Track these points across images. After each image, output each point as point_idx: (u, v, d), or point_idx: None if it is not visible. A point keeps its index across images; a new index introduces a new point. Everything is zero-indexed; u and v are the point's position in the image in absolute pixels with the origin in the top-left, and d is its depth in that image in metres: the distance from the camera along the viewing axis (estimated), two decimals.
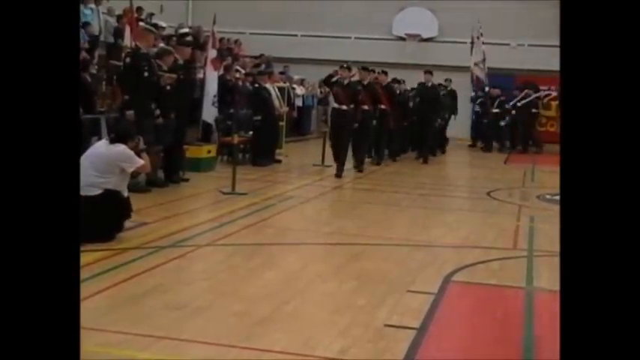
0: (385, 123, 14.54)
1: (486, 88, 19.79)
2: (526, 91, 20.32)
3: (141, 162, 6.94)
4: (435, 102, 16.21)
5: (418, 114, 16.12)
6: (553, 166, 15.06)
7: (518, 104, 20.02)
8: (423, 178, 13.23)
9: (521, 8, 21.71)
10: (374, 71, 14.98)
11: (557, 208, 9.92)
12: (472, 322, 5.11)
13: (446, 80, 19.28)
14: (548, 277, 6.18)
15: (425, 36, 22.34)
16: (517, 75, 21.67)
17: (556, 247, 7.31)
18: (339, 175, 12.21)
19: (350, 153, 13.19)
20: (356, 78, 13.66)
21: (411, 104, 16.34)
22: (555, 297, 5.48)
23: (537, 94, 20.52)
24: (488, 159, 17.95)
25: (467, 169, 16.22)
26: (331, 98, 14.40)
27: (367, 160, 14.17)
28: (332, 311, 4.98)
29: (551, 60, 19.34)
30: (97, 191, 6.57)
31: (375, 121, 13.87)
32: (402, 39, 22.31)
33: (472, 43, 20.02)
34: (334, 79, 12.76)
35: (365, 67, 14.01)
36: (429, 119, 15.97)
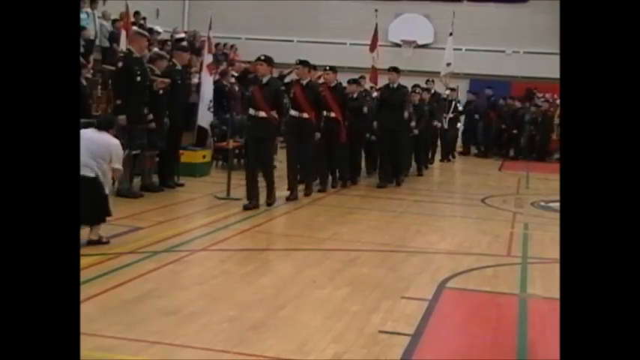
0: (336, 136, 11.08)
1: (447, 92, 18.90)
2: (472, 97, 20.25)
3: (120, 165, 7.01)
4: (403, 108, 12.25)
5: (381, 124, 12.30)
6: (548, 173, 15.11)
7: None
8: (418, 185, 13.23)
9: (516, 15, 21.79)
10: (327, 69, 11.63)
11: (551, 215, 9.95)
12: (466, 329, 5.11)
13: (427, 82, 16.66)
14: (542, 284, 6.20)
15: (420, 42, 22.39)
16: (512, 82, 21.72)
17: (550, 254, 7.37)
18: (269, 203, 9.39)
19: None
20: (293, 76, 11.21)
21: (365, 109, 12.26)
22: (549, 304, 5.51)
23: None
24: (482, 166, 17.96)
25: (461, 175, 16.24)
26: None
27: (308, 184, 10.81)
28: (326, 317, 4.98)
29: (546, 67, 19.41)
30: (92, 173, 6.57)
31: (318, 134, 10.52)
32: (397, 45, 22.35)
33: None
34: (251, 75, 9.58)
35: (304, 62, 10.52)
36: (395, 130, 12.11)
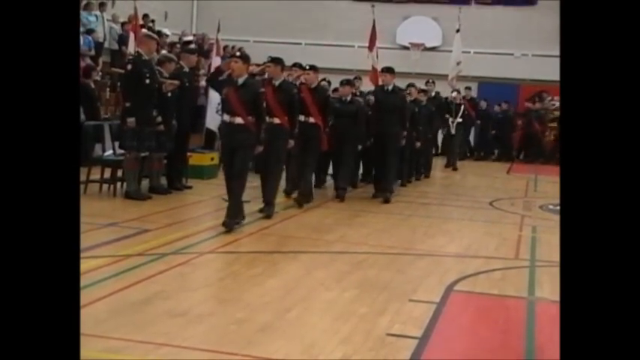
0: (317, 143, 9.95)
1: (454, 94, 18.06)
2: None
3: None
4: (398, 111, 11.00)
5: (375, 129, 11.03)
6: (556, 176, 15.05)
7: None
8: (426, 187, 13.22)
9: (525, 18, 21.74)
10: (305, 67, 10.42)
11: (559, 218, 9.90)
12: (474, 332, 5.10)
13: (427, 83, 15.56)
14: (550, 288, 6.17)
15: (429, 45, 22.37)
16: (521, 85, 21.68)
17: (558, 257, 7.31)
18: (226, 225, 7.86)
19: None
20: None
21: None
22: (557, 307, 5.49)
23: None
24: (490, 168, 17.92)
25: (469, 178, 16.20)
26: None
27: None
28: (334, 319, 4.98)
29: (555, 70, 19.33)
30: None
31: (292, 141, 9.26)
32: (405, 48, 22.33)
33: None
34: (223, 76, 8.19)
35: (276, 59, 9.44)
36: (390, 136, 10.87)
